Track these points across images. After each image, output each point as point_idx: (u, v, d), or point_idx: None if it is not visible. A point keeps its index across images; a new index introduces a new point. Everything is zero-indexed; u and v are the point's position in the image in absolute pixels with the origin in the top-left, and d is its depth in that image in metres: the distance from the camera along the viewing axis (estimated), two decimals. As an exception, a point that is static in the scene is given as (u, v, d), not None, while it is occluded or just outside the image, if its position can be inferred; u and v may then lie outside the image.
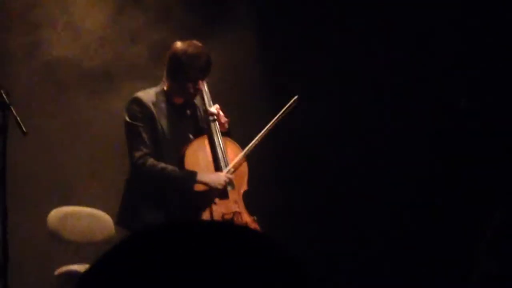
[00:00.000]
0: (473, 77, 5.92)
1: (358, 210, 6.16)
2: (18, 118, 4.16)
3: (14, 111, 4.18)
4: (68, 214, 5.70)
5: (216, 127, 4.75)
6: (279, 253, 0.83)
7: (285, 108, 4.78)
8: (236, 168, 4.73)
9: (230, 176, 4.66)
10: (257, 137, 4.77)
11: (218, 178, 4.61)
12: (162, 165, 4.53)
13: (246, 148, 4.77)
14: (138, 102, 4.58)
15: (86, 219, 5.76)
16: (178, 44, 4.61)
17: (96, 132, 6.28)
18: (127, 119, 4.59)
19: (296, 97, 4.80)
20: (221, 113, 4.77)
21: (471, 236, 4.80)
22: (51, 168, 6.14)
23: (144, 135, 4.53)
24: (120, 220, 4.73)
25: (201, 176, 4.58)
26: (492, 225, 4.68)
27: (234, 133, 4.90)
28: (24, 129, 4.16)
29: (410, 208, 6.04)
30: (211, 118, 4.75)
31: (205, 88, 4.79)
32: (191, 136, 4.76)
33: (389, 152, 6.13)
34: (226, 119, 4.77)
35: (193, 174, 4.57)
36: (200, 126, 4.82)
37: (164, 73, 4.67)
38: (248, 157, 4.81)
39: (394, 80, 6.12)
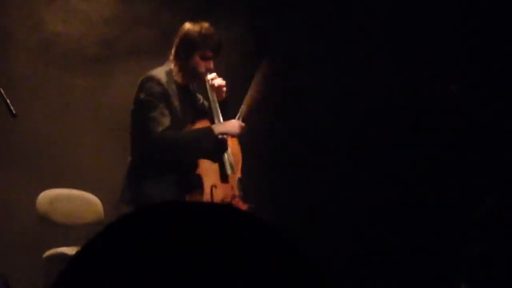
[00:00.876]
0: (464, 63, 5.92)
1: (357, 205, 6.17)
2: (7, 100, 4.13)
3: (3, 93, 4.15)
4: (58, 196, 5.68)
5: (213, 97, 4.72)
6: (285, 245, 0.81)
7: (257, 74, 4.80)
8: (246, 112, 4.72)
9: (242, 124, 4.66)
10: (243, 103, 4.78)
11: (233, 125, 4.63)
12: (179, 132, 4.53)
13: (237, 117, 4.76)
14: (156, 80, 4.56)
15: (76, 201, 5.75)
16: (190, 25, 4.63)
17: (89, 114, 6.25)
18: (144, 96, 4.54)
19: (266, 58, 4.81)
20: (219, 79, 4.76)
21: (464, 225, 4.82)
22: (41, 150, 6.12)
23: (164, 110, 4.51)
24: (124, 197, 4.70)
25: (218, 128, 4.58)
26: (483, 212, 4.69)
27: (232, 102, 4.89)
28: (13, 111, 4.13)
29: (402, 199, 6.06)
30: (208, 86, 4.72)
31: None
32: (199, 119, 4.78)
33: (386, 138, 6.14)
34: (222, 82, 4.74)
35: (209, 129, 4.57)
36: (202, 111, 4.83)
37: (173, 53, 4.65)
38: (241, 137, 4.80)
39: (397, 77, 6.12)
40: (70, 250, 5.29)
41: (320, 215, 6.17)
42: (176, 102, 4.60)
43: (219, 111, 4.72)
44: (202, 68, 4.62)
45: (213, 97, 4.72)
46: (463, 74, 5.89)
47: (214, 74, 4.71)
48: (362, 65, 6.15)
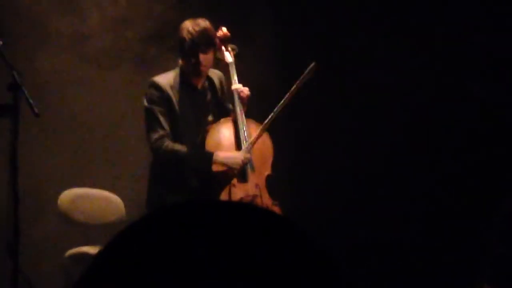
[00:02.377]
0: (487, 63, 5.88)
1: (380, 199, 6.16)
2: (30, 100, 4.15)
3: (26, 93, 4.16)
4: (79, 195, 5.70)
5: (240, 107, 4.75)
6: (304, 239, 0.81)
7: (302, 76, 4.70)
8: (254, 143, 4.70)
9: (247, 155, 4.64)
10: (275, 109, 4.72)
11: (235, 158, 4.60)
12: (179, 146, 4.55)
13: (265, 122, 4.73)
14: (155, 86, 4.62)
15: (97, 201, 5.76)
16: (183, 22, 4.65)
17: (110, 115, 6.27)
18: (145, 103, 4.62)
19: (313, 64, 4.71)
20: (245, 88, 4.77)
21: (482, 226, 4.79)
22: (63, 150, 6.14)
23: (162, 118, 4.56)
24: (148, 205, 4.75)
25: (218, 156, 4.58)
26: (501, 213, 4.66)
27: (251, 112, 4.88)
28: (36, 110, 4.14)
29: (418, 199, 6.04)
30: (236, 97, 4.75)
31: (233, 66, 4.82)
32: (210, 118, 4.76)
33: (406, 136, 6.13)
34: (248, 93, 4.76)
35: (209, 154, 4.58)
36: (219, 109, 4.82)
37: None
38: (269, 131, 4.77)
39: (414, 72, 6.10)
40: (91, 249, 5.31)
41: (349, 213, 6.16)
42: (181, 105, 4.62)
43: (244, 120, 4.72)
44: (194, 64, 4.61)
45: (240, 106, 4.74)
46: (486, 73, 5.86)
47: (240, 85, 4.76)
48: (392, 66, 6.13)
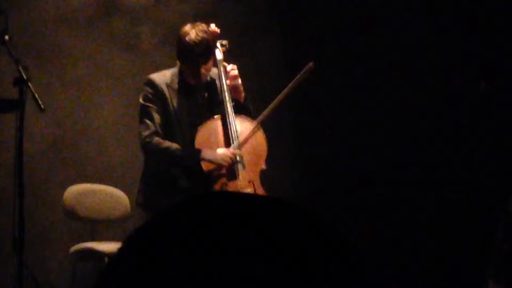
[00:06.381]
0: (492, 60, 5.87)
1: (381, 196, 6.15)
2: (36, 94, 4.14)
3: (31, 87, 4.15)
4: (84, 191, 5.70)
5: (230, 104, 4.72)
6: (333, 231, 0.79)
7: (298, 76, 4.67)
8: (244, 143, 4.68)
9: (236, 152, 4.62)
10: (268, 107, 4.69)
11: (223, 155, 4.59)
12: (167, 143, 4.55)
13: (257, 119, 4.71)
14: (150, 83, 4.62)
15: (102, 196, 5.76)
16: (184, 28, 4.62)
17: (114, 111, 6.27)
18: (140, 100, 4.63)
19: (311, 63, 4.69)
20: (235, 72, 4.74)
21: (488, 224, 4.77)
22: (69, 145, 6.14)
23: (154, 115, 4.56)
24: (137, 201, 4.75)
25: (205, 154, 4.57)
26: (507, 210, 4.64)
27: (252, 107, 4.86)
28: (41, 105, 4.14)
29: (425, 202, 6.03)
30: (226, 94, 4.72)
31: (221, 63, 4.78)
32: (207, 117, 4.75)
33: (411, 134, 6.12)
34: (236, 73, 4.73)
35: (197, 151, 4.57)
36: (218, 109, 4.80)
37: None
38: (265, 126, 4.75)
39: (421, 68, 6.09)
40: (96, 245, 5.30)
41: (348, 209, 6.16)
42: (176, 103, 4.61)
43: (232, 107, 4.70)
44: (195, 71, 4.59)
45: (228, 93, 4.72)
46: (492, 71, 5.85)
47: (234, 66, 4.73)
48: (389, 64, 6.13)
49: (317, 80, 5.05)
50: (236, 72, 4.75)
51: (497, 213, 4.57)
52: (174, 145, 4.55)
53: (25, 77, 4.16)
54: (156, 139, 4.54)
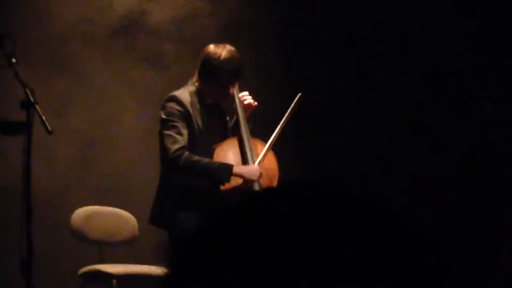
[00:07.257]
0: (498, 81, 5.87)
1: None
2: (43, 117, 4.16)
3: (39, 110, 4.17)
4: (92, 213, 5.69)
5: (246, 126, 4.74)
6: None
7: (290, 108, 4.76)
8: (263, 160, 4.71)
9: (262, 170, 4.65)
10: (268, 143, 4.76)
11: (253, 170, 4.60)
12: (198, 157, 4.53)
13: (267, 144, 4.76)
14: (177, 100, 4.60)
15: (110, 218, 5.76)
16: (211, 48, 4.61)
17: (122, 133, 6.27)
18: (164, 116, 4.59)
19: (299, 95, 4.76)
20: (248, 96, 4.77)
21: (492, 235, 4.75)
22: (76, 167, 6.14)
23: (182, 130, 4.54)
24: (152, 218, 4.73)
25: (237, 168, 4.57)
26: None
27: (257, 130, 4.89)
28: (49, 127, 4.15)
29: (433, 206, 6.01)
30: (239, 109, 4.75)
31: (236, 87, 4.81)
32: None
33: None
34: (251, 101, 4.77)
35: (229, 166, 4.56)
36: (228, 130, 4.82)
37: (196, 73, 4.67)
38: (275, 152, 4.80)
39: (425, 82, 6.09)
40: (105, 267, 5.29)
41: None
42: (199, 122, 4.61)
43: (248, 128, 4.73)
44: (221, 93, 4.63)
45: (242, 114, 4.75)
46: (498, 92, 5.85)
47: (246, 93, 4.76)
48: (391, 83, 6.14)
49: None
50: (250, 100, 4.78)
51: (501, 225, 4.57)
52: (206, 159, 4.55)
53: (32, 100, 4.18)
54: (187, 153, 4.51)
